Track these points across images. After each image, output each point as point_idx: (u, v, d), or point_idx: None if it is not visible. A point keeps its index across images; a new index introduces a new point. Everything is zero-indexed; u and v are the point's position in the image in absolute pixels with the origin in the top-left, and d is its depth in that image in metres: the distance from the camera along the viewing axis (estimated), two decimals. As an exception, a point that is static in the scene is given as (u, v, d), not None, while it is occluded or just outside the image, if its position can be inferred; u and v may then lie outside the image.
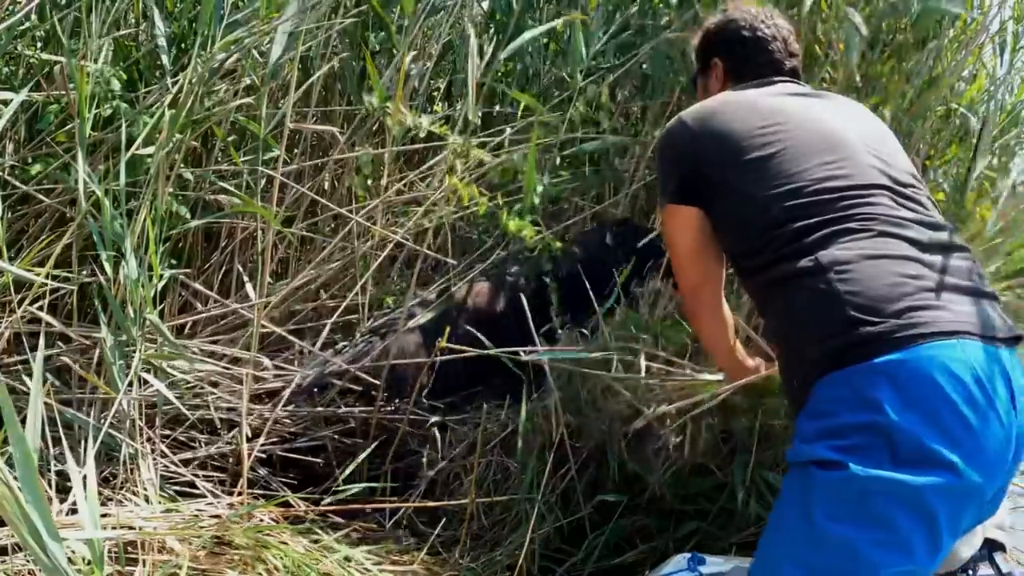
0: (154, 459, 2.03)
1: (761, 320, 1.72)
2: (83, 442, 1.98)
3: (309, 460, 2.32)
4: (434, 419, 2.37)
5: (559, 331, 2.27)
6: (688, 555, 1.83)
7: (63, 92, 2.11)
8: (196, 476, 2.09)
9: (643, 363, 2.00)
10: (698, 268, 1.65)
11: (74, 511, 1.76)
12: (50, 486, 1.87)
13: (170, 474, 2.07)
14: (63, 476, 1.97)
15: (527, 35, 2.46)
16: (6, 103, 1.96)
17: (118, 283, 1.98)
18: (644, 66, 2.82)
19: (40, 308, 2.02)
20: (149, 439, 2.06)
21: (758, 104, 1.54)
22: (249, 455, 2.10)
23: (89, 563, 1.24)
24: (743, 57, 1.71)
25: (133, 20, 2.41)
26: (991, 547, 1.77)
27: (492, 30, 3.00)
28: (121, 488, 1.92)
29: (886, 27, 2.40)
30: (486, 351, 2.24)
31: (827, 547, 1.19)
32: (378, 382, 2.32)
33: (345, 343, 2.47)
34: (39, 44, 2.32)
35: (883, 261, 1.30)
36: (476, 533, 2.17)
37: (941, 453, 1.16)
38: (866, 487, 1.17)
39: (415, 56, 2.68)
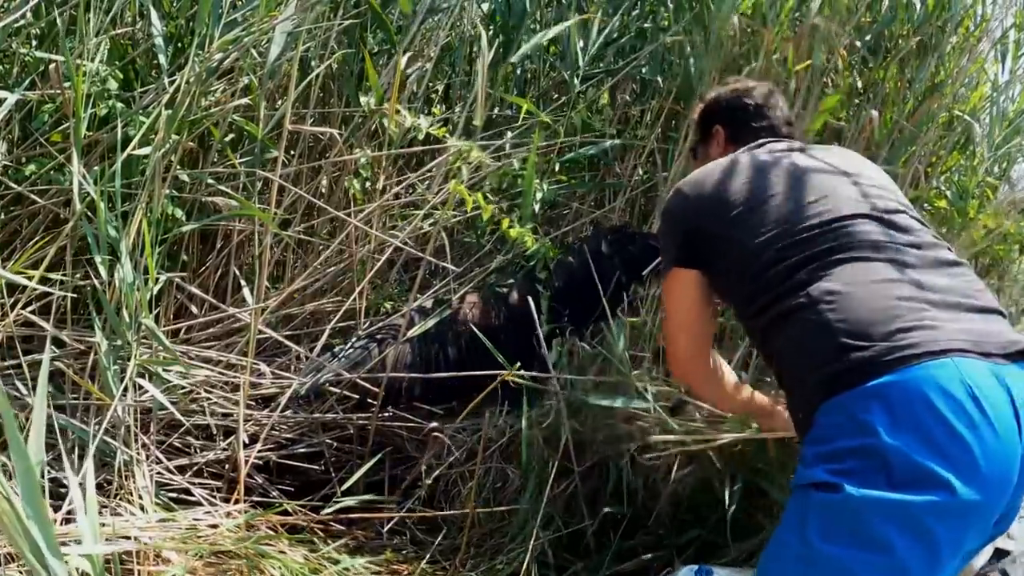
0: (149, 466, 1.99)
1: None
2: (76, 448, 1.94)
3: (306, 467, 2.28)
4: (432, 425, 2.35)
5: (554, 344, 2.26)
6: (695, 567, 1.80)
7: (58, 91, 2.05)
8: (192, 483, 2.05)
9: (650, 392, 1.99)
10: (692, 338, 1.69)
11: (69, 520, 1.72)
12: (43, 493, 1.82)
13: (165, 481, 2.03)
14: (56, 483, 1.93)
15: (536, 38, 2.43)
16: (0, 102, 1.91)
17: (113, 286, 1.93)
18: (644, 70, 2.81)
19: (33, 312, 1.98)
20: (144, 446, 2.02)
21: (749, 163, 1.60)
22: (246, 462, 2.06)
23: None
24: (744, 122, 1.79)
25: (130, 18, 2.36)
26: (999, 556, 1.77)
27: (491, 32, 2.96)
28: (116, 496, 1.87)
29: (888, 33, 2.39)
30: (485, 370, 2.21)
31: (820, 567, 1.20)
32: (376, 389, 2.28)
33: (341, 347, 2.42)
34: (34, 42, 2.27)
35: (871, 286, 1.32)
36: (476, 541, 2.13)
37: (936, 472, 1.15)
38: (861, 508, 1.17)
39: (411, 57, 2.64)
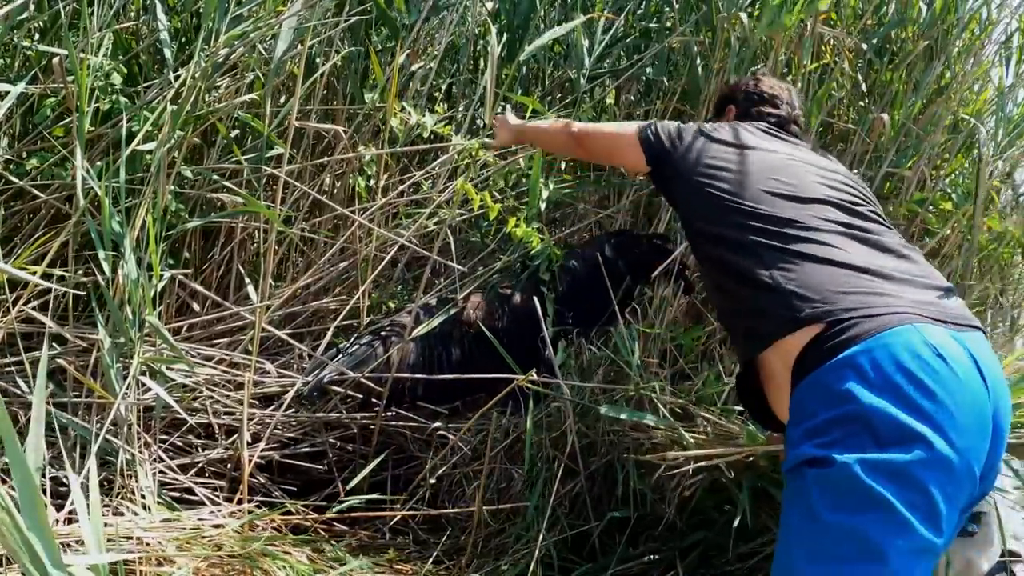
0: (152, 465, 1.93)
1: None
2: (78, 447, 1.88)
3: (309, 466, 2.22)
4: (436, 425, 2.29)
5: (560, 346, 2.21)
6: None
7: (61, 85, 1.99)
8: (194, 482, 1.99)
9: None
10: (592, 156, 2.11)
11: (71, 520, 1.66)
12: (45, 492, 1.76)
13: (168, 480, 1.97)
14: (57, 481, 1.87)
15: (543, 37, 2.39)
16: (2, 95, 1.84)
17: (116, 283, 1.87)
18: (649, 70, 2.75)
19: (35, 308, 1.91)
20: (146, 444, 1.96)
21: (749, 129, 1.74)
22: (249, 461, 2.00)
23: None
24: (755, 107, 1.90)
25: (134, 12, 2.29)
26: (1010, 557, 1.74)
27: (496, 31, 2.90)
28: (118, 495, 1.81)
29: (894, 36, 2.35)
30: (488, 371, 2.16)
31: (836, 537, 1.20)
32: (380, 389, 2.23)
33: (344, 345, 2.36)
34: (36, 35, 2.20)
35: (830, 261, 1.39)
36: (480, 541, 2.08)
37: (915, 428, 1.19)
38: (855, 473, 1.19)
39: (411, 54, 2.58)
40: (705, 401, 2.05)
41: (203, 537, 1.71)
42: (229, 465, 2.10)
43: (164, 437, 2.06)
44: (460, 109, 2.77)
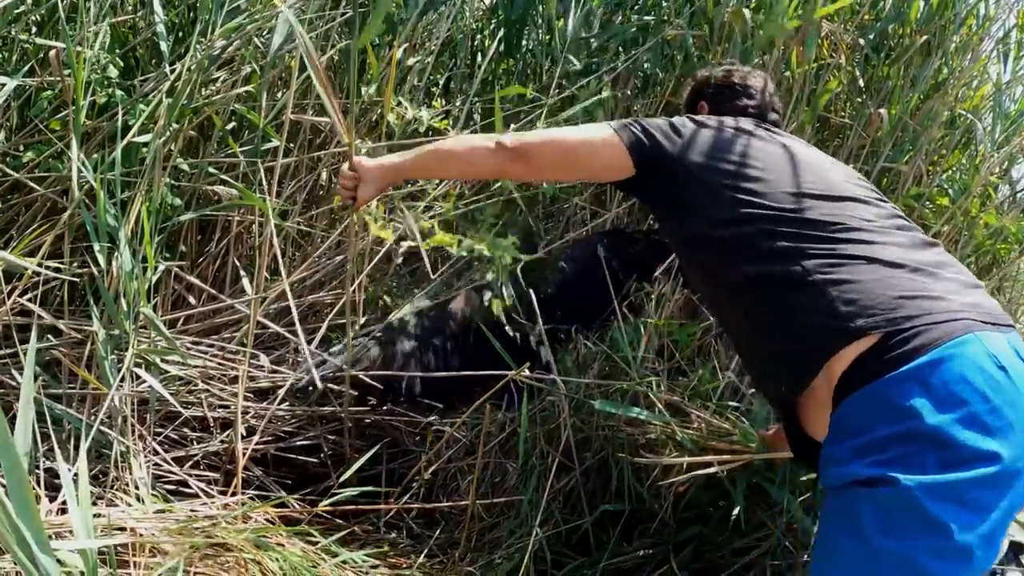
0: (146, 457, 1.94)
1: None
2: (72, 439, 1.89)
3: (304, 459, 2.23)
4: (431, 419, 2.30)
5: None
6: None
7: (58, 78, 2.00)
8: (189, 475, 2.00)
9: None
10: (545, 171, 1.72)
11: (63, 511, 1.67)
12: (38, 483, 1.78)
13: (162, 473, 1.98)
14: (51, 473, 1.88)
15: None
16: (-1, 89, 1.86)
17: (111, 275, 1.88)
18: (647, 64, 2.76)
19: (30, 300, 1.93)
20: (141, 436, 1.97)
21: (740, 126, 1.56)
22: (244, 453, 2.01)
23: (81, 573, 1.16)
24: (728, 102, 1.75)
25: (131, 6, 2.31)
26: (1017, 550, 1.74)
27: (493, 26, 2.92)
28: (112, 487, 1.82)
29: (892, 32, 2.36)
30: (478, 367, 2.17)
31: (887, 563, 1.15)
32: (378, 385, 2.24)
33: (341, 344, 2.37)
34: (33, 28, 2.21)
35: (876, 265, 1.29)
36: (474, 535, 2.09)
37: (981, 446, 1.14)
38: (916, 496, 1.13)
39: (408, 49, 2.59)
40: (700, 397, 2.06)
41: (196, 528, 1.72)
42: (224, 458, 2.11)
43: (159, 430, 2.07)
44: (457, 104, 2.78)
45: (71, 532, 1.58)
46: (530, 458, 2.10)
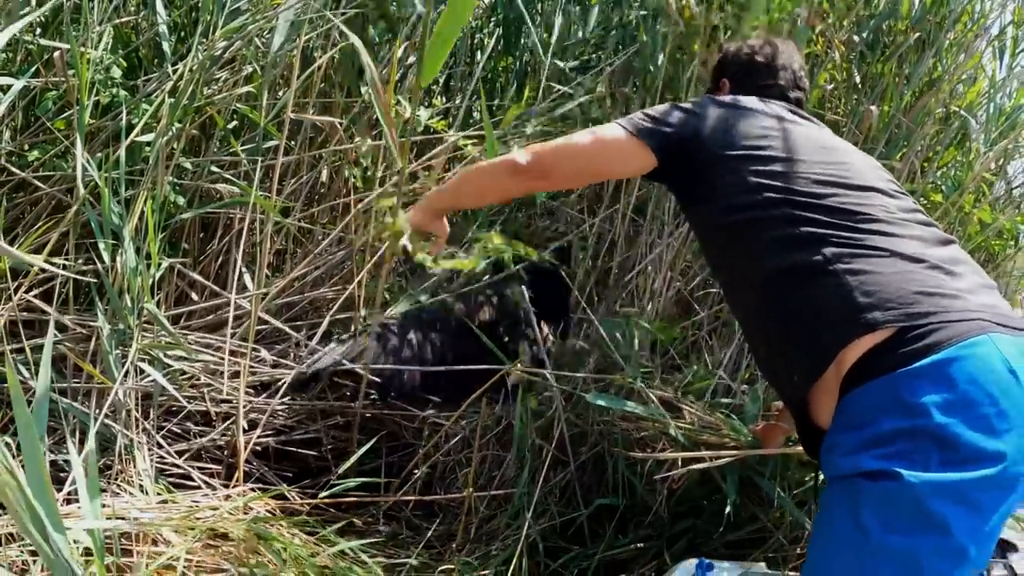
0: (149, 450, 2.02)
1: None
2: (78, 432, 1.97)
3: (304, 453, 2.31)
4: (428, 412, 2.37)
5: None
6: (695, 561, 1.83)
7: (62, 79, 2.08)
8: (191, 467, 2.08)
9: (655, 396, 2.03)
10: (566, 181, 1.82)
11: (69, 501, 1.75)
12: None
13: (165, 466, 2.06)
14: (57, 467, 1.96)
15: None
16: (4, 89, 1.93)
17: (115, 271, 1.96)
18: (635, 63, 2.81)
19: (36, 296, 2.00)
20: (145, 430, 2.04)
21: (764, 108, 1.56)
22: (245, 446, 2.08)
23: (86, 554, 1.23)
24: (749, 79, 1.74)
25: (134, 7, 2.38)
26: (1004, 548, 1.78)
27: (493, 24, 2.98)
28: (116, 479, 1.90)
29: (886, 29, 2.41)
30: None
31: (889, 560, 1.18)
32: (377, 379, 2.31)
33: (342, 337, 2.45)
34: (38, 30, 2.29)
35: (896, 258, 1.30)
36: (472, 527, 2.16)
37: (987, 448, 1.16)
38: (919, 492, 1.16)
39: (408, 46, 2.66)
40: (692, 393, 2.12)
41: (198, 518, 1.80)
42: (226, 451, 2.19)
43: (163, 424, 2.14)
44: (457, 102, 2.85)
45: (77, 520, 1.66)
46: (526, 452, 2.16)
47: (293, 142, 2.57)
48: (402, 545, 2.11)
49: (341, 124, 2.53)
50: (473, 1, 1.90)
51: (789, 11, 2.19)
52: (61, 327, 2.08)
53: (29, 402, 0.97)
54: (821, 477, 1.37)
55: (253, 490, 2.10)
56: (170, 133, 2.06)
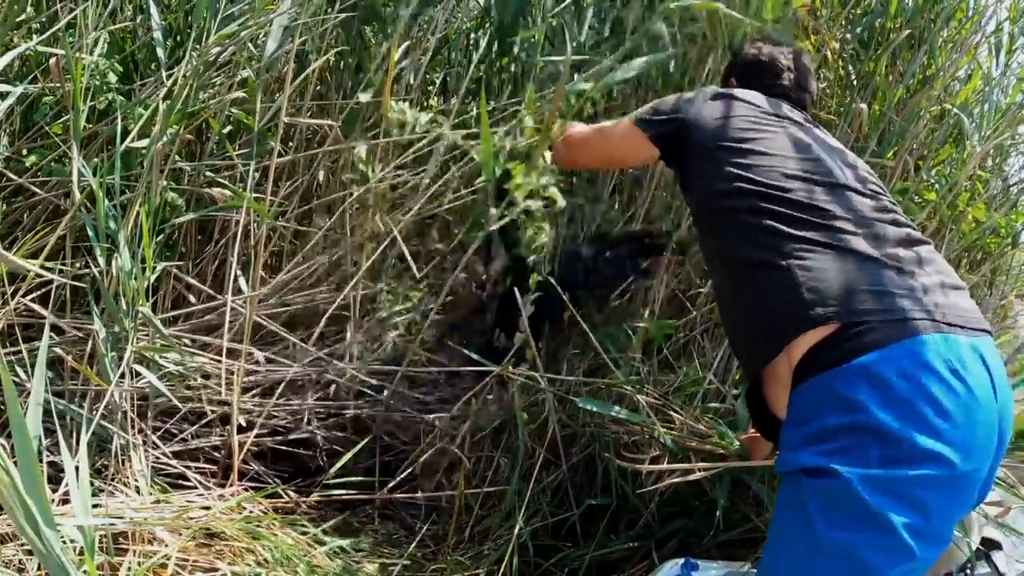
0: (145, 451, 2.09)
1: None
2: (74, 434, 2.04)
3: (300, 453, 2.38)
4: (427, 414, 2.44)
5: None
6: (681, 560, 1.88)
7: (59, 84, 2.15)
8: (187, 468, 2.15)
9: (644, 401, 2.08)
10: (596, 163, 2.10)
11: (65, 501, 1.81)
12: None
13: (161, 466, 2.13)
14: (54, 467, 2.03)
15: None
16: (2, 95, 2.00)
17: (111, 275, 2.03)
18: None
19: (33, 300, 2.08)
20: (140, 430, 2.12)
21: (762, 102, 1.68)
22: (240, 447, 2.15)
23: (80, 552, 1.30)
24: (755, 79, 1.86)
25: (129, 12, 2.45)
26: (988, 546, 1.82)
27: (487, 25, 3.04)
28: (112, 479, 1.97)
29: (880, 26, 2.45)
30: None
31: (829, 554, 1.22)
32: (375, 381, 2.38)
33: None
34: (35, 36, 2.36)
35: (851, 256, 1.36)
36: (465, 527, 2.23)
37: (927, 446, 1.19)
38: (856, 488, 1.19)
39: (407, 48, 2.72)
40: (683, 394, 2.17)
41: (191, 517, 1.87)
42: (222, 452, 2.26)
43: (158, 425, 2.22)
44: (453, 102, 2.90)
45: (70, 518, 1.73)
46: (519, 453, 2.23)
47: (289, 145, 2.63)
48: (396, 544, 2.17)
49: (340, 128, 2.59)
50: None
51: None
52: (58, 330, 2.16)
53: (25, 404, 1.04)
54: None
55: (248, 490, 2.17)
56: (165, 138, 2.13)
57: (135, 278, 2.01)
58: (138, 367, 2.07)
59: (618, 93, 2.69)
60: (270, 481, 2.29)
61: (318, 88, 2.76)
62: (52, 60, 2.12)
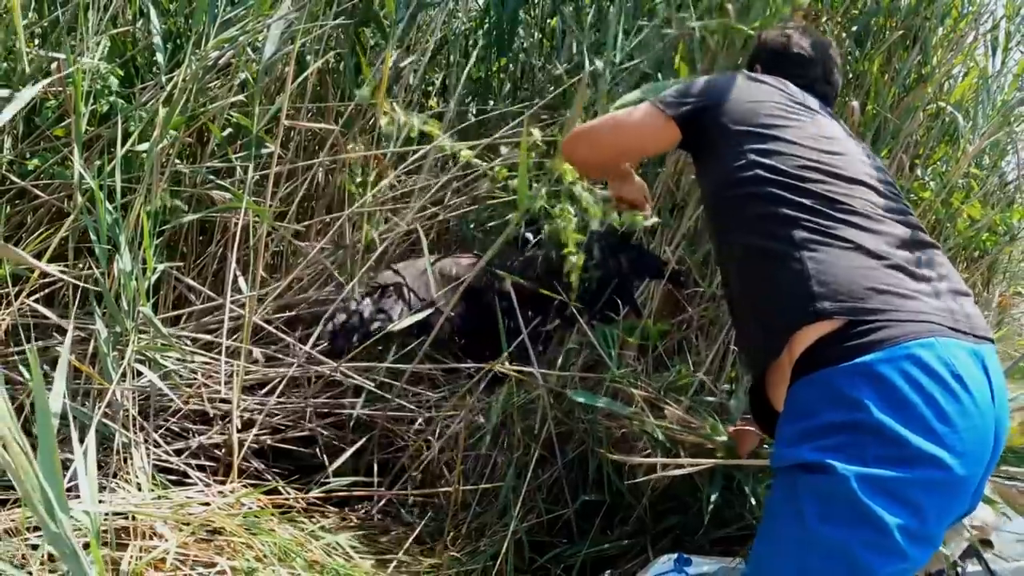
0: (147, 449, 2.18)
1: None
2: (78, 431, 2.13)
3: (300, 451, 2.47)
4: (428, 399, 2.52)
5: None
6: (674, 556, 1.94)
7: (61, 88, 2.25)
8: (188, 465, 2.24)
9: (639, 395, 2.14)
10: (615, 156, 1.93)
11: (69, 494, 1.91)
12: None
13: (162, 464, 2.21)
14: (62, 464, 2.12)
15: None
16: (8, 100, 2.10)
17: (112, 276, 2.13)
18: (643, 64, 2.93)
19: (37, 300, 2.17)
20: (142, 429, 2.21)
21: (789, 91, 1.67)
22: (241, 445, 2.25)
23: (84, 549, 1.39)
24: (779, 67, 1.83)
25: (130, 17, 2.55)
26: (980, 545, 1.89)
27: (487, 26, 3.13)
28: (114, 477, 2.05)
29: (874, 25, 2.52)
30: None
31: (821, 550, 1.24)
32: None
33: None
34: (37, 40, 2.46)
35: (860, 254, 1.37)
36: (461, 523, 2.31)
37: (925, 449, 1.21)
38: (851, 486, 1.21)
39: (404, 50, 2.81)
40: (677, 391, 2.25)
41: (191, 513, 1.96)
42: (223, 450, 2.35)
43: (160, 423, 2.31)
44: (451, 104, 2.99)
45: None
46: (511, 454, 2.31)
47: (288, 148, 2.73)
48: (393, 540, 2.26)
49: (341, 132, 2.68)
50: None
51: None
52: (61, 330, 2.25)
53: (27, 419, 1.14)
54: None
55: (247, 487, 2.26)
56: (165, 141, 2.22)
57: (136, 279, 2.11)
58: (139, 366, 2.16)
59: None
60: (270, 478, 2.38)
61: (317, 89, 2.86)
62: (54, 64, 2.21)
